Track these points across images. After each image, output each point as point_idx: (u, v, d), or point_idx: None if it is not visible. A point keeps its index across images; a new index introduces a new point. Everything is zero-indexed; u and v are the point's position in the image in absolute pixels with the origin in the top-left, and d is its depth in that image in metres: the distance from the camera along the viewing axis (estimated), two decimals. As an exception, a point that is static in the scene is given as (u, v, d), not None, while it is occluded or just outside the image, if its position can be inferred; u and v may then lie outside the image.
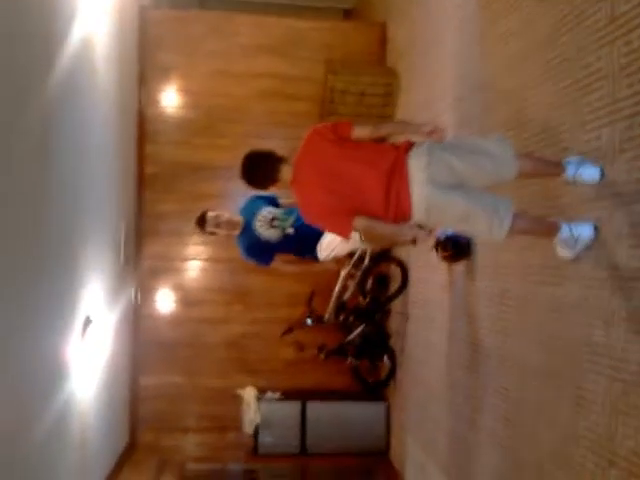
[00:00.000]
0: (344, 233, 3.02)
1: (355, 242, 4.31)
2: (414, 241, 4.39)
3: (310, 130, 3.07)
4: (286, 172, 3.08)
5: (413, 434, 5.40)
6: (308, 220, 3.15)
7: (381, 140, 2.98)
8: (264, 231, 4.33)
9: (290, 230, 4.35)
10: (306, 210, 3.11)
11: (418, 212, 2.78)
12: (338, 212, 2.91)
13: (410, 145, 2.85)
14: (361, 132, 2.94)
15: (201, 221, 4.35)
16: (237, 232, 4.36)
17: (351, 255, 5.14)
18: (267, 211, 4.35)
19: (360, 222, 2.89)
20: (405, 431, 5.62)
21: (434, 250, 4.35)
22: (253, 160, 3.19)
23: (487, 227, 2.74)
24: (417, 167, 2.76)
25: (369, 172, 2.83)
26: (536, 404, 3.19)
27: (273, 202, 4.45)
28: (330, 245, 4.36)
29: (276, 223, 4.33)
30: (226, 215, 4.36)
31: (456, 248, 4.20)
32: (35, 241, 3.22)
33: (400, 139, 2.97)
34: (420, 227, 2.94)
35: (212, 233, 4.40)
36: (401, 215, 2.82)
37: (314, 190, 2.97)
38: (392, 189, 2.78)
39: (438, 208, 2.75)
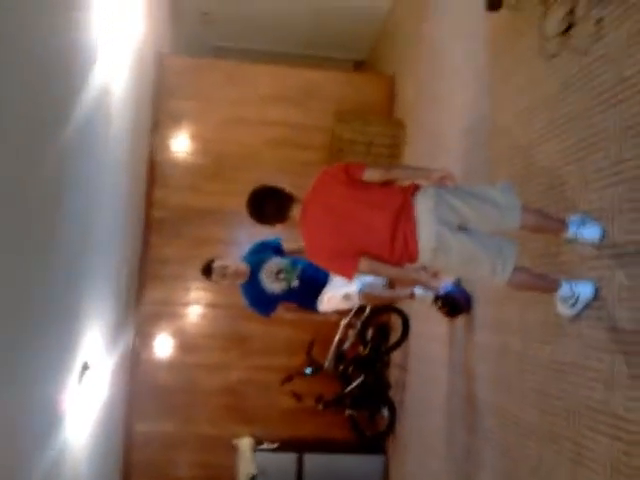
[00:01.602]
0: (348, 275, 2.99)
1: (354, 301, 4.35)
2: (412, 295, 4.46)
3: (321, 171, 3.06)
4: (296, 211, 3.02)
5: (410, 490, 5.29)
6: (314, 260, 3.12)
7: (390, 183, 3.00)
8: (270, 283, 4.31)
9: (295, 283, 4.35)
10: (312, 251, 3.07)
11: (424, 253, 2.78)
12: (344, 254, 2.90)
13: (417, 187, 2.88)
14: (372, 175, 2.92)
15: (207, 271, 4.28)
16: (242, 281, 4.34)
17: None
18: (274, 263, 4.34)
19: (364, 264, 2.87)
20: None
21: (434, 305, 4.35)
22: (265, 194, 3.09)
23: (490, 270, 2.74)
24: (424, 209, 2.78)
25: (377, 214, 2.84)
26: (535, 462, 3.14)
27: (278, 250, 4.46)
28: (330, 301, 4.37)
29: (282, 276, 4.32)
30: (232, 266, 4.28)
31: (453, 305, 4.23)
32: (41, 287, 3.17)
33: (407, 183, 2.99)
34: (424, 269, 2.94)
35: (217, 282, 4.37)
36: (407, 256, 2.82)
37: (322, 231, 2.95)
38: (399, 230, 2.79)
39: (445, 248, 2.75)
